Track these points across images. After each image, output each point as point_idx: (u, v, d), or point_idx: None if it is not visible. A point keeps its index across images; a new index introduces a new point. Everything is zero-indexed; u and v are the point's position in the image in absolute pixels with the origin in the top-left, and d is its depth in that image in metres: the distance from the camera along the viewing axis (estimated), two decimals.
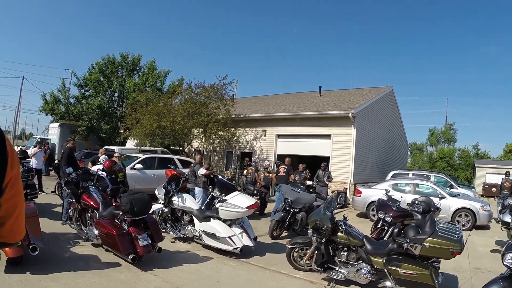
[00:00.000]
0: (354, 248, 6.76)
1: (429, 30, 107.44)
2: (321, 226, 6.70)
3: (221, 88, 20.28)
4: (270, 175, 14.96)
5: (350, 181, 18.70)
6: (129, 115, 21.29)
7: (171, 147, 22.63)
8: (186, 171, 12.05)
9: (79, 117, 27.08)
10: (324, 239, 6.82)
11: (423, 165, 53.21)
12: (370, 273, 6.50)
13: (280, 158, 21.08)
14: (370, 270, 6.51)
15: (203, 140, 20.97)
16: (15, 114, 49.99)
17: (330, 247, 6.90)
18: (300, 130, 20.81)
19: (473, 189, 22.51)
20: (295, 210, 10.59)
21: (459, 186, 18.38)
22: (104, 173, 8.81)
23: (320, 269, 6.84)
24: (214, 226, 8.05)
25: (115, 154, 11.83)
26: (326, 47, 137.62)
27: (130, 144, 24.87)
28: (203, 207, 9.61)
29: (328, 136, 19.72)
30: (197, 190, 11.53)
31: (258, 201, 8.85)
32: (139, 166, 14.57)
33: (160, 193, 9.51)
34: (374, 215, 13.70)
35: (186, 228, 8.89)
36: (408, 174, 20.04)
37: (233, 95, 22.04)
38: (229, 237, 7.83)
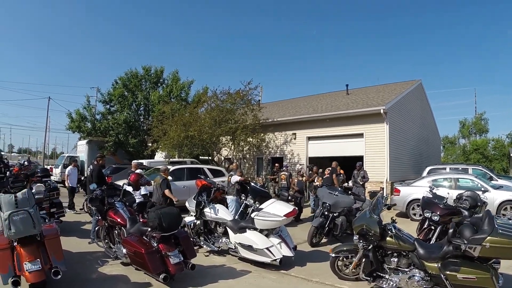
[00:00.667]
0: (405, 253, 6.15)
1: (451, 18, 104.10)
2: (368, 231, 6.13)
3: (247, 93, 19.84)
4: (304, 178, 14.39)
5: (386, 180, 17.95)
6: (155, 127, 21.05)
7: (200, 157, 22.25)
8: (217, 180, 11.59)
9: (106, 133, 27.04)
10: (371, 245, 6.25)
11: (456, 158, 51.36)
12: (424, 280, 5.88)
13: (312, 161, 20.73)
14: (423, 277, 5.90)
15: (232, 147, 20.53)
16: (44, 134, 50.35)
17: (378, 254, 6.31)
18: (330, 131, 20.16)
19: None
20: (334, 214, 10.03)
21: (498, 178, 17.41)
22: (130, 187, 8.40)
23: (369, 278, 6.27)
24: (250, 237, 7.53)
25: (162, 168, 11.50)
26: (347, 46, 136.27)
27: (159, 156, 24.70)
28: (236, 216, 9.14)
29: (360, 135, 19.06)
30: (230, 199, 10.99)
31: (296, 208, 8.27)
32: (168, 178, 14.19)
33: (191, 205, 9.03)
34: (415, 214, 13.50)
35: (220, 240, 8.41)
36: (444, 168, 19.19)
37: (259, 100, 21.54)
38: (267, 248, 7.30)
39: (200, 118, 19.48)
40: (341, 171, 15.44)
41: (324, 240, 10.12)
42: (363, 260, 6.32)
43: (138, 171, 10.00)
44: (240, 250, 7.75)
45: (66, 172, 15.38)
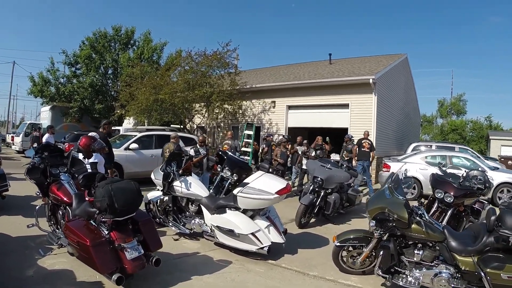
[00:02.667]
0: (431, 244, 4.82)
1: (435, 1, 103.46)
2: (391, 216, 4.70)
3: (224, 54, 18.01)
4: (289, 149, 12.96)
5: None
6: (122, 91, 19.20)
7: (172, 125, 20.52)
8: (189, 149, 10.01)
9: (70, 98, 25.17)
10: (392, 234, 4.88)
11: (434, 137, 51.73)
12: (454, 278, 4.63)
13: (292, 131, 19.27)
14: (454, 274, 4.64)
15: (206, 115, 18.89)
16: (8, 101, 47.53)
17: (397, 244, 4.97)
18: (313, 100, 18.69)
19: (496, 161, 20.96)
20: (327, 191, 8.62)
21: (485, 159, 16.51)
22: (81, 154, 6.63)
23: (387, 275, 4.88)
24: (232, 219, 5.98)
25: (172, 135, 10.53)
26: (328, 21, 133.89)
27: (126, 123, 23.08)
28: (211, 191, 7.59)
29: (345, 106, 17.68)
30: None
31: (290, 184, 6.64)
32: (134, 146, 12.59)
33: (157, 177, 7.35)
34: (406, 193, 12.01)
35: (193, 221, 6.79)
36: (430, 146, 18.48)
37: (236, 65, 19.70)
38: (253, 234, 5.80)
39: (172, 82, 17.69)
40: (319, 140, 14.14)
41: (312, 220, 8.77)
42: (381, 252, 4.91)
43: (91, 133, 8.25)
44: (218, 234, 6.21)
45: (44, 140, 13.93)
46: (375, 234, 5.00)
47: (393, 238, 4.94)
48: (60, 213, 5.73)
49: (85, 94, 24.71)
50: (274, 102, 19.83)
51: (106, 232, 4.47)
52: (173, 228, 7.00)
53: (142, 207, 7.24)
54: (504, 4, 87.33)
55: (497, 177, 12.22)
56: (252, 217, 6.06)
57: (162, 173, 6.96)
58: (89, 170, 6.21)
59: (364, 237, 5.34)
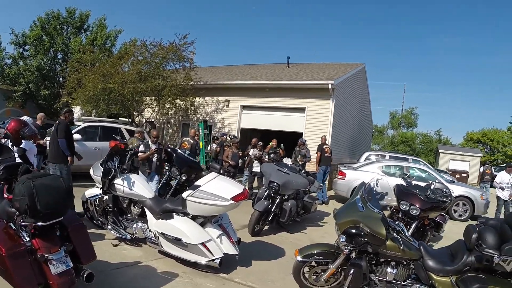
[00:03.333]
0: (405, 262, 4.39)
1: (386, 15, 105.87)
2: (364, 231, 4.18)
3: (181, 47, 17.13)
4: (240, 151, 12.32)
5: None
6: (69, 76, 17.96)
7: (120, 117, 19.41)
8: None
9: (15, 81, 23.41)
10: (360, 251, 4.43)
11: (384, 147, 52.58)
12: None
13: (244, 132, 18.81)
14: None
15: (156, 109, 17.98)
16: None
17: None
18: (269, 102, 18.05)
19: (448, 174, 21.15)
20: (283, 197, 8.05)
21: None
22: (7, 140, 5.69)
23: None
24: (179, 226, 5.25)
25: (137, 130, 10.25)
26: (285, 24, 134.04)
27: (75, 114, 21.68)
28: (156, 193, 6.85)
29: (301, 110, 17.18)
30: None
31: (247, 189, 5.89)
32: (77, 136, 11.49)
33: (96, 172, 6.47)
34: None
35: (135, 225, 5.97)
36: (384, 156, 18.63)
37: (192, 59, 18.77)
38: (203, 244, 5.11)
39: (123, 71, 16.64)
40: (274, 143, 13.71)
41: (265, 227, 8.18)
42: (351, 271, 4.37)
43: (24, 117, 7.31)
44: (162, 242, 5.47)
45: None
46: (344, 250, 4.46)
47: (365, 255, 4.42)
48: None
49: (31, 78, 22.95)
50: (228, 101, 19.11)
51: (27, 239, 3.62)
52: (112, 232, 6.20)
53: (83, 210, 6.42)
54: (453, 21, 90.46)
55: (455, 190, 11.90)
56: (202, 225, 5.37)
57: (102, 168, 6.16)
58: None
59: (329, 252, 4.77)
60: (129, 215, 6.31)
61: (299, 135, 16.39)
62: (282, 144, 14.59)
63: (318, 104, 16.70)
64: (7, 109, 23.87)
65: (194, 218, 5.39)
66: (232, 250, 5.33)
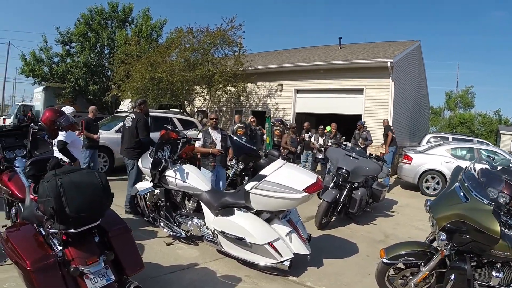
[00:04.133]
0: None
1: None
2: (471, 228, 3.30)
3: (229, 30, 16.37)
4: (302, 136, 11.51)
5: None
6: (117, 67, 17.67)
7: (171, 109, 18.98)
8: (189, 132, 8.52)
9: (64, 78, 23.46)
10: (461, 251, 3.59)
11: (441, 129, 50.16)
12: None
13: (299, 117, 17.88)
14: None
15: (207, 98, 17.39)
16: (3, 83, 45.73)
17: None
18: (324, 84, 17.15)
19: None
20: (353, 185, 7.17)
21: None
22: (43, 132, 5.03)
23: None
24: (242, 224, 4.49)
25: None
26: (335, 8, 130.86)
27: (125, 107, 21.61)
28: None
29: (359, 91, 16.21)
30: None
31: (321, 178, 4.90)
32: None
33: (145, 164, 5.86)
34: (428, 188, 11.63)
35: (190, 221, 5.28)
36: (447, 138, 17.20)
37: (241, 43, 17.97)
38: (270, 244, 4.34)
39: (170, 60, 16.13)
40: (333, 127, 12.83)
41: (332, 218, 7.33)
42: (452, 276, 3.48)
43: (66, 108, 6.72)
44: (222, 242, 4.74)
45: None
46: (443, 250, 3.56)
47: (468, 257, 3.52)
48: (13, 211, 4.28)
49: (79, 74, 22.98)
50: (281, 85, 18.29)
51: (59, 248, 2.89)
52: (165, 229, 5.54)
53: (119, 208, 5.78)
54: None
55: None
56: (268, 221, 4.59)
57: (151, 159, 5.47)
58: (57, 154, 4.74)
59: (420, 252, 3.89)
60: (183, 210, 5.62)
61: (356, 118, 15.37)
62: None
63: (377, 84, 15.78)
64: (58, 106, 24.08)
65: (258, 213, 4.61)
66: (303, 249, 4.52)
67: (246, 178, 8.61)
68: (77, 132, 6.45)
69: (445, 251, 3.55)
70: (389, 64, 14.84)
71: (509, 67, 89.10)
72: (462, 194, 3.62)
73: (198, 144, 6.80)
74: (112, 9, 24.74)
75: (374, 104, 15.72)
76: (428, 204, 3.99)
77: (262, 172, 4.52)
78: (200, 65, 15.99)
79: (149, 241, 5.40)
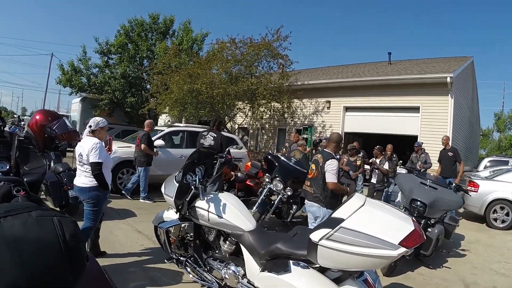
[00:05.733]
0: None
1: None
2: None
3: (274, 42, 15.21)
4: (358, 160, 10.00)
5: None
6: (154, 79, 16.91)
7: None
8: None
9: (102, 90, 23.19)
10: None
11: (490, 152, 47.64)
12: None
13: (349, 136, 16.64)
14: None
15: (249, 114, 16.26)
16: (45, 93, 46.14)
17: None
18: (375, 101, 15.94)
19: None
20: (429, 221, 5.77)
21: None
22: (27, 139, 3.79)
23: None
24: (299, 286, 3.05)
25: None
26: (382, 21, 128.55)
27: (162, 122, 20.80)
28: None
29: (415, 109, 14.92)
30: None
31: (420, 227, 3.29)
32: (159, 142, 9.94)
33: (168, 191, 4.35)
34: (496, 220, 10.17)
35: (226, 268, 3.91)
36: (507, 162, 15.82)
37: (287, 55, 16.81)
38: None
39: (211, 73, 15.13)
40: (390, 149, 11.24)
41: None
42: None
43: (97, 118, 5.57)
44: None
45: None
46: None
47: None
48: None
49: (117, 85, 22.72)
50: (329, 102, 17.12)
51: None
52: (190, 275, 4.21)
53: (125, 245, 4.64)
54: None
55: None
56: (338, 281, 3.13)
57: (177, 184, 4.12)
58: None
59: None
60: (216, 252, 4.24)
61: (410, 138, 14.38)
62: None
63: (435, 102, 14.60)
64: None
65: (323, 269, 3.17)
66: None
67: (294, 207, 7.38)
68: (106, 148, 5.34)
69: None
70: (448, 79, 13.72)
71: None
72: None
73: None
74: (152, 20, 24.68)
75: (431, 123, 14.49)
76: None
77: (335, 214, 3.03)
78: (242, 78, 14.98)
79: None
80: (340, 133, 16.19)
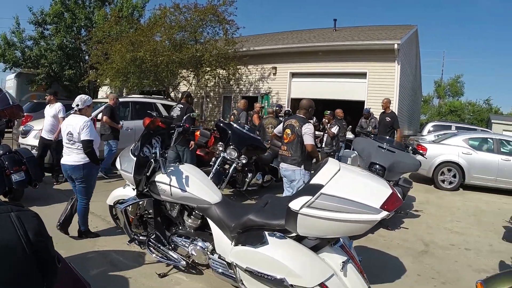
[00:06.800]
0: None
1: None
2: None
3: (219, 6, 14.76)
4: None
5: None
6: (93, 49, 16.05)
7: (153, 95, 17.36)
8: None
9: (37, 63, 21.80)
10: None
11: (431, 117, 49.62)
12: None
13: (296, 102, 16.33)
14: None
15: (193, 82, 15.84)
16: None
17: None
18: (322, 67, 15.85)
19: None
20: None
21: None
22: None
23: None
24: (281, 259, 2.87)
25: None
26: None
27: (103, 93, 19.92)
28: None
29: (362, 75, 15.01)
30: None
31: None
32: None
33: (124, 166, 4.04)
34: (443, 181, 10.53)
35: (192, 244, 3.72)
36: (450, 126, 16.70)
37: (233, 21, 16.32)
38: (322, 285, 2.78)
39: (154, 40, 14.47)
40: (340, 113, 11.30)
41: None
42: None
43: (82, 98, 5.15)
44: (247, 281, 3.12)
45: None
46: None
47: None
48: None
49: (54, 58, 21.40)
50: (275, 68, 16.95)
51: None
52: (153, 255, 3.96)
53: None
54: None
55: None
56: (316, 249, 3.00)
57: (134, 158, 3.80)
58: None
59: None
60: (180, 227, 4.00)
61: (356, 104, 14.63)
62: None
63: (382, 68, 14.71)
64: (32, 94, 22.43)
65: (300, 238, 3.04)
66: (361, 285, 2.97)
67: (249, 175, 7.25)
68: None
69: None
70: (396, 46, 13.84)
71: (499, 57, 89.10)
72: None
73: None
74: None
75: (378, 89, 14.54)
76: None
77: (313, 181, 2.88)
78: (187, 45, 14.49)
79: (134, 271, 3.92)
80: (287, 98, 16.30)
